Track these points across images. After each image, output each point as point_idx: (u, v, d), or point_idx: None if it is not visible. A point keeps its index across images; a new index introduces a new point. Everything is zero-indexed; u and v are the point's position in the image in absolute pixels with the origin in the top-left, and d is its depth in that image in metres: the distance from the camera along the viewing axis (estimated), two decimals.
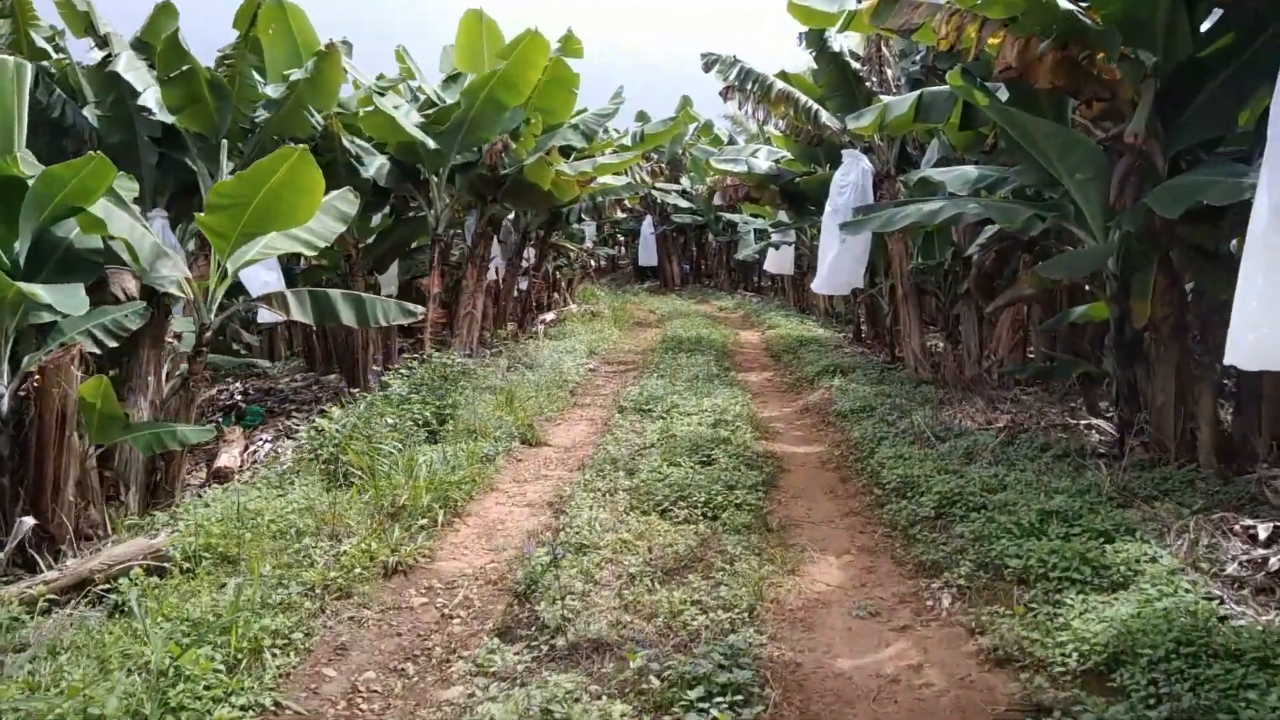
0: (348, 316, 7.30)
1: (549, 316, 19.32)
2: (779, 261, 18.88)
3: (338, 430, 6.79)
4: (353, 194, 7.33)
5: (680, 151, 26.85)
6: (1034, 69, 5.84)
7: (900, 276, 10.27)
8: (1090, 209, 6.20)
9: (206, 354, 6.69)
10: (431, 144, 9.95)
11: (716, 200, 13.55)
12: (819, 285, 10.46)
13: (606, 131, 12.50)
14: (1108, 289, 6.31)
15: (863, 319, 13.61)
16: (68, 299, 5.31)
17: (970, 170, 7.92)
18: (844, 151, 10.40)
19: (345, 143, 9.60)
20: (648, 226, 27.25)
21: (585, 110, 11.89)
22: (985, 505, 5.18)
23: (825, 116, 10.46)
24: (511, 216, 15.83)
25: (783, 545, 5.27)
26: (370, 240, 11.31)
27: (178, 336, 7.06)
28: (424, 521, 5.58)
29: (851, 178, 10.19)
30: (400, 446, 6.82)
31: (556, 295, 20.68)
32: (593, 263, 22.52)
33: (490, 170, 10.27)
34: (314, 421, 7.33)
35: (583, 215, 15.47)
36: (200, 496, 5.98)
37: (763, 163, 13.26)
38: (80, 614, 4.21)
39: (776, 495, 6.30)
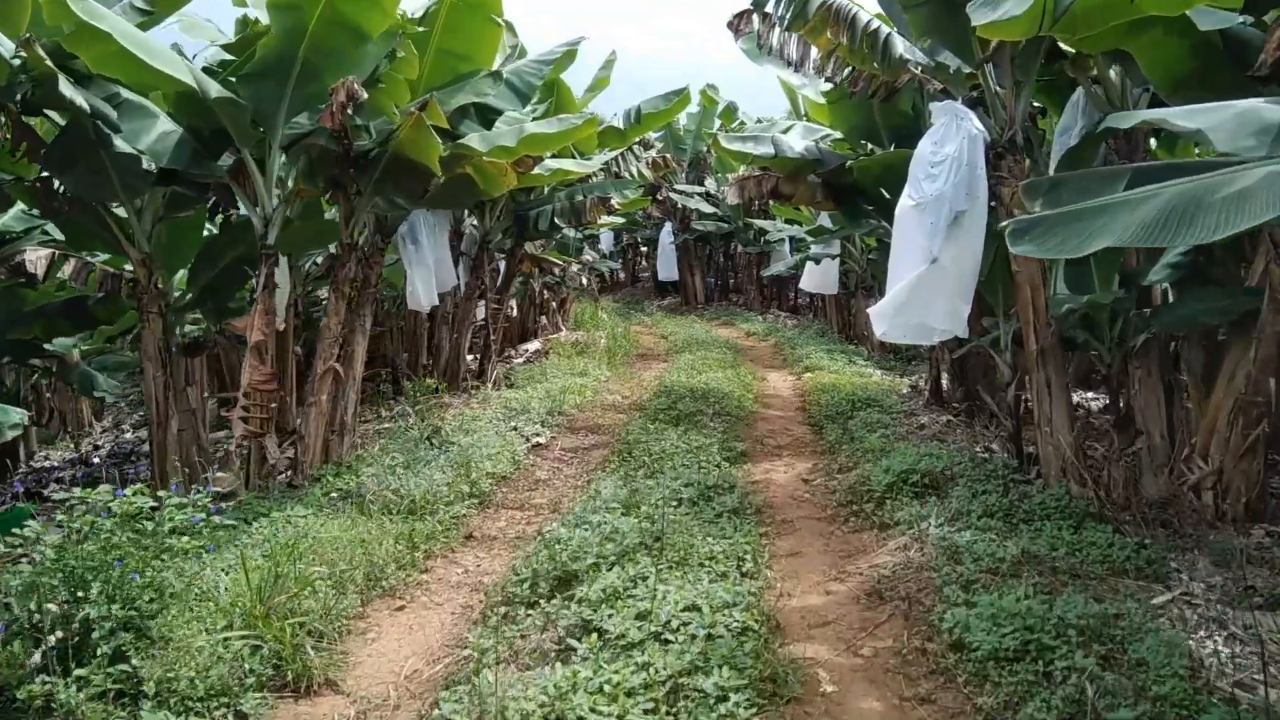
0: None
1: (532, 347, 14.99)
2: (818, 279, 14.33)
3: None
4: None
5: (705, 149, 22.38)
6: None
7: (1034, 319, 5.71)
8: None
9: None
10: (233, 97, 5.64)
11: (731, 199, 9.01)
12: (887, 329, 5.91)
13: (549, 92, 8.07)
14: None
15: (942, 363, 8.96)
16: None
17: (1260, 108, 3.39)
18: (934, 106, 5.90)
19: (70, 91, 5.31)
20: (666, 236, 22.76)
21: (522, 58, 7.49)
22: None
23: (901, 45, 5.97)
24: (475, 223, 11.52)
25: None
26: (191, 262, 7.08)
27: None
28: None
29: (949, 149, 5.67)
30: None
31: (545, 320, 16.32)
32: (584, 280, 18.09)
33: (337, 140, 5.92)
34: None
35: (555, 219, 11.10)
36: None
37: (797, 143, 8.73)
38: None
39: None
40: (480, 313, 11.98)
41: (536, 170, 7.91)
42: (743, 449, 7.42)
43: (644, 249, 28.85)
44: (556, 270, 14.42)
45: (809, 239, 13.06)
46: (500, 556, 5.26)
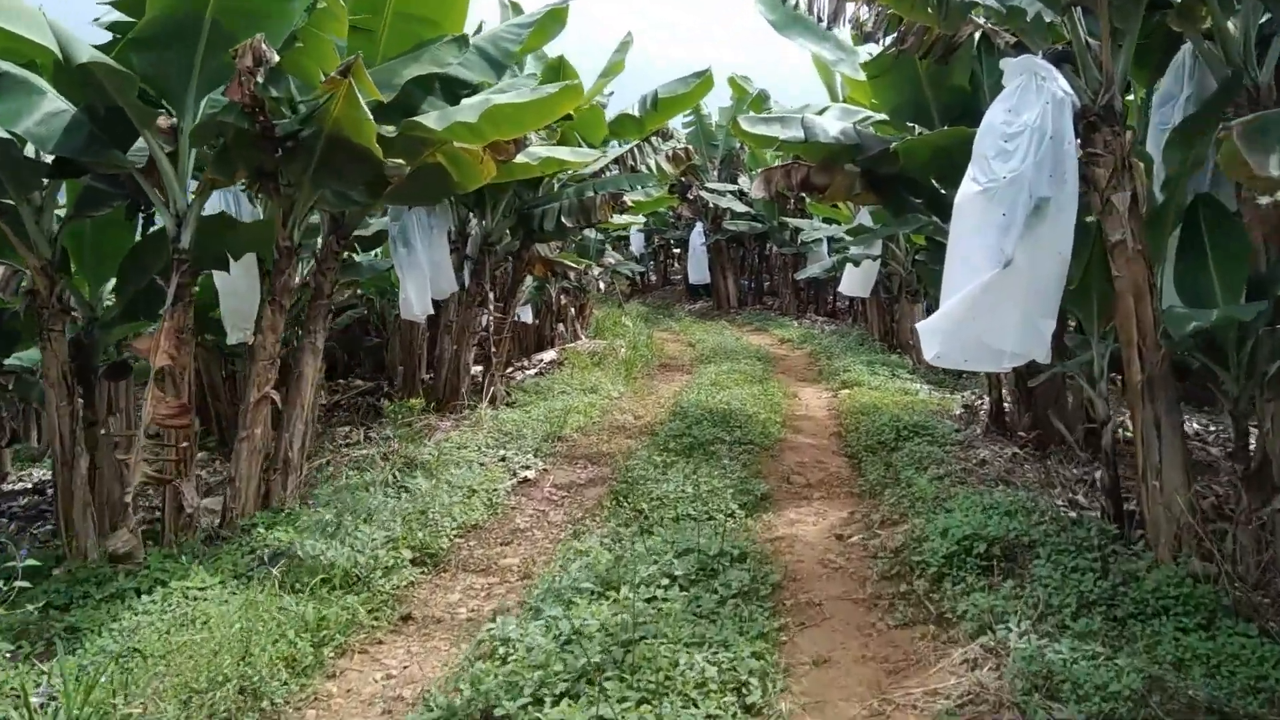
0: None
1: (548, 356, 13.77)
2: (856, 281, 12.91)
3: None
4: None
5: (738, 145, 20.99)
6: None
7: (1140, 340, 4.31)
8: None
9: None
10: (109, 63, 4.44)
11: (756, 192, 7.67)
12: (941, 350, 4.52)
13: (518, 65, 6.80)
14: None
15: (1004, 382, 7.50)
16: None
17: None
18: (1007, 63, 4.51)
19: None
20: (697, 236, 21.40)
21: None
22: None
23: None
24: (476, 223, 10.31)
25: None
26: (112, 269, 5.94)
27: None
28: None
29: (1028, 117, 4.28)
30: None
31: (562, 327, 15.07)
32: (600, 284, 16.80)
33: (251, 118, 4.70)
34: None
35: (562, 218, 9.85)
36: None
37: (832, 125, 7.35)
38: None
39: None
40: (486, 321, 10.75)
41: (522, 159, 6.65)
42: (764, 491, 6.08)
43: (676, 250, 27.51)
44: (572, 275, 13.15)
45: (847, 239, 11.65)
46: (439, 650, 4.01)
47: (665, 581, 4.11)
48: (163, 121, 5.13)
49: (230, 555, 4.93)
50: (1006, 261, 4.19)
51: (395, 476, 6.56)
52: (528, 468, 7.14)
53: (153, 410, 4.97)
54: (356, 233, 10.58)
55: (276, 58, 4.40)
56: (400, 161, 5.84)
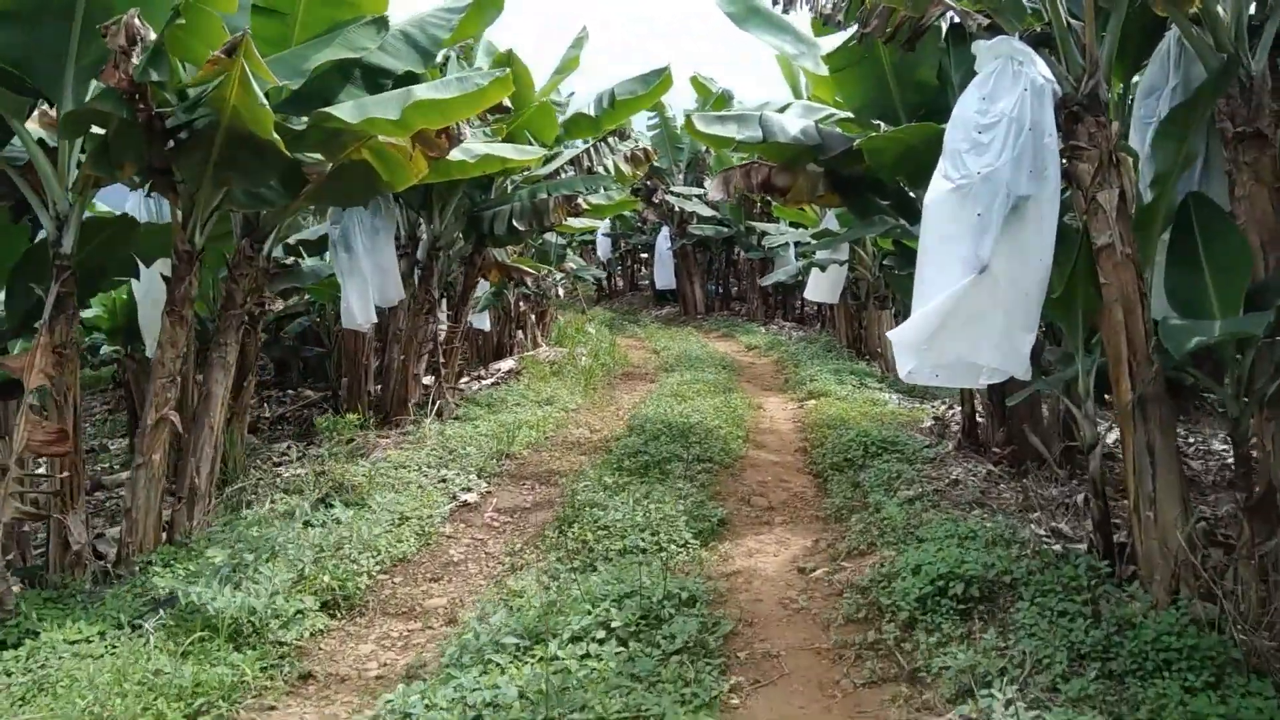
0: None
1: (505, 366, 13.19)
2: (822, 286, 12.48)
3: None
4: None
5: (704, 148, 20.53)
6: None
7: (1130, 355, 3.84)
8: None
9: None
10: None
11: (714, 194, 7.23)
12: (915, 366, 4.03)
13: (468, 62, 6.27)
14: None
15: (977, 395, 7.04)
16: None
17: None
18: (980, 46, 4.04)
19: None
20: (664, 241, 20.90)
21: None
22: None
23: None
24: (425, 227, 9.72)
25: None
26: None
27: None
28: None
29: (1004, 105, 3.80)
30: None
31: (522, 334, 14.50)
32: (559, 290, 16.24)
33: (131, 106, 4.11)
34: None
35: (514, 221, 9.30)
36: None
37: (792, 124, 6.87)
38: None
39: None
40: (435, 330, 10.16)
41: (459, 156, 6.10)
42: (721, 515, 5.57)
43: (644, 255, 27.00)
44: (529, 281, 12.58)
45: (813, 244, 11.19)
46: (338, 718, 3.45)
47: (601, 634, 3.58)
48: (42, 113, 4.55)
49: (118, 600, 4.33)
50: (982, 267, 3.71)
51: (322, 501, 5.99)
52: (469, 490, 6.58)
53: (26, 436, 4.36)
54: (299, 237, 9.99)
55: (153, 35, 3.83)
56: (318, 157, 5.29)
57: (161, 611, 4.08)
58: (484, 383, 12.11)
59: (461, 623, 4.12)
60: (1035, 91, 3.81)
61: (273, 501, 6.16)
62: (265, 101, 4.06)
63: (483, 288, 12.34)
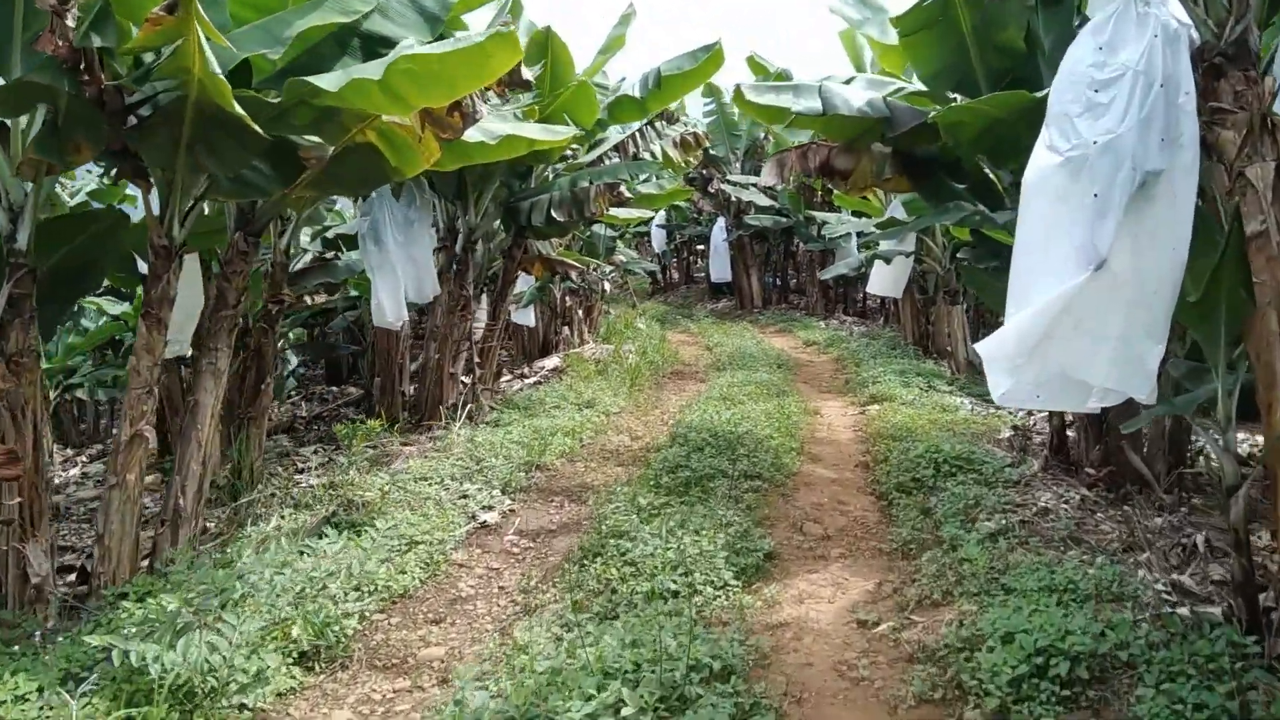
0: None
1: (550, 363, 12.57)
2: (886, 279, 11.60)
3: None
4: None
5: (763, 134, 19.64)
6: None
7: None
8: None
9: None
10: None
11: (768, 179, 6.44)
12: (1011, 386, 3.21)
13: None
14: None
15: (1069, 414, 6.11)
16: None
17: None
18: None
19: None
20: (719, 232, 20.06)
21: None
22: None
23: None
24: (481, 221, 9.11)
25: None
26: None
27: None
28: None
29: (1126, 56, 2.97)
30: None
31: (568, 330, 13.86)
32: (605, 284, 15.50)
33: (76, 78, 3.52)
34: None
35: (553, 211, 8.63)
36: None
37: (856, 96, 6.03)
38: None
39: None
40: (471, 327, 9.55)
41: (477, 137, 5.42)
42: (768, 548, 4.80)
43: (699, 247, 26.18)
44: (574, 275, 11.91)
45: (877, 233, 10.29)
46: None
47: (612, 717, 2.86)
48: None
49: (73, 646, 3.77)
50: (1100, 262, 2.89)
51: (328, 520, 5.41)
52: (490, 508, 5.93)
53: None
54: (339, 230, 9.48)
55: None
56: (316, 139, 4.66)
57: (89, 674, 3.49)
58: (526, 381, 11.51)
59: (451, 689, 3.45)
60: (1168, 38, 2.96)
61: (281, 518, 5.62)
62: (218, 69, 3.43)
63: (526, 282, 11.75)
